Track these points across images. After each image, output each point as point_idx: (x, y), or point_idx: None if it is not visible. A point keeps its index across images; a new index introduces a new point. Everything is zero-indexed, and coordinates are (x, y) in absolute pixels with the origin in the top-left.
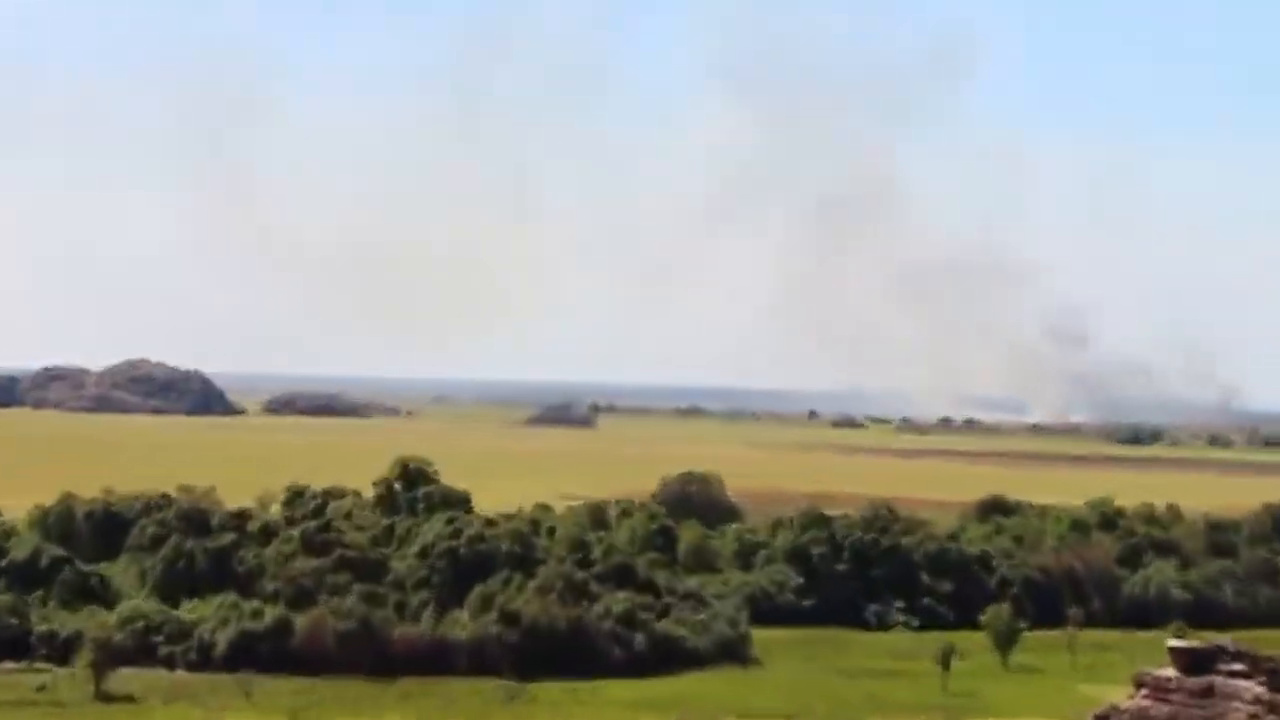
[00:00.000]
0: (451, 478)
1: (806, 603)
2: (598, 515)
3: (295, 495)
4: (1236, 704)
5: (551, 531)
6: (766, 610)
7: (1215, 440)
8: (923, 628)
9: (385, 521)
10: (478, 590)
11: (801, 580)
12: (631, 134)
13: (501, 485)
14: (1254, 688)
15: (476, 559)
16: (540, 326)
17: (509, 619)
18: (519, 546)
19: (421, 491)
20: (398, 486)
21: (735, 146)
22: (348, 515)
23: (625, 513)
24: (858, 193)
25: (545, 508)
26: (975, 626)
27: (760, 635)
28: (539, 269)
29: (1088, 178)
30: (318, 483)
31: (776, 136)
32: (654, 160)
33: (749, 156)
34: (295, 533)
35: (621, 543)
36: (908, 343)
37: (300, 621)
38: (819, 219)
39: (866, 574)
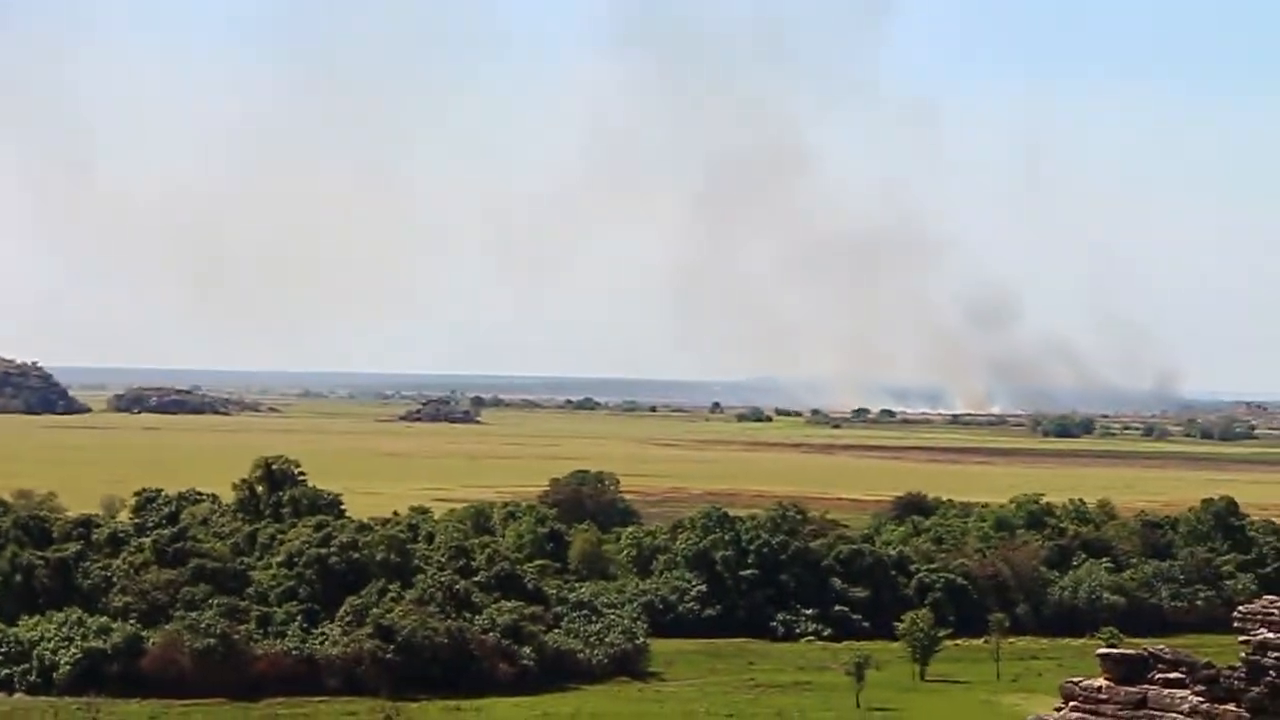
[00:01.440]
0: (320, 479)
1: (709, 612)
2: (481, 519)
3: (146, 501)
4: (1173, 715)
5: (431, 537)
6: (666, 620)
7: (1151, 432)
8: (835, 637)
9: (247, 528)
10: (350, 602)
11: (704, 587)
12: (508, 100)
13: (375, 487)
14: (1191, 698)
15: (348, 568)
16: (416, 315)
17: (384, 633)
18: (395, 554)
19: (287, 495)
20: (260, 489)
21: (624, 113)
22: (205, 522)
23: (511, 516)
24: (758, 162)
25: (423, 511)
26: (892, 635)
27: (659, 647)
28: (411, 251)
29: (1010, 145)
30: (171, 487)
31: (668, 101)
32: (534, 129)
33: (639, 124)
34: (146, 541)
35: (507, 549)
36: (816, 327)
37: (153, 639)
38: (716, 191)
39: (774, 580)
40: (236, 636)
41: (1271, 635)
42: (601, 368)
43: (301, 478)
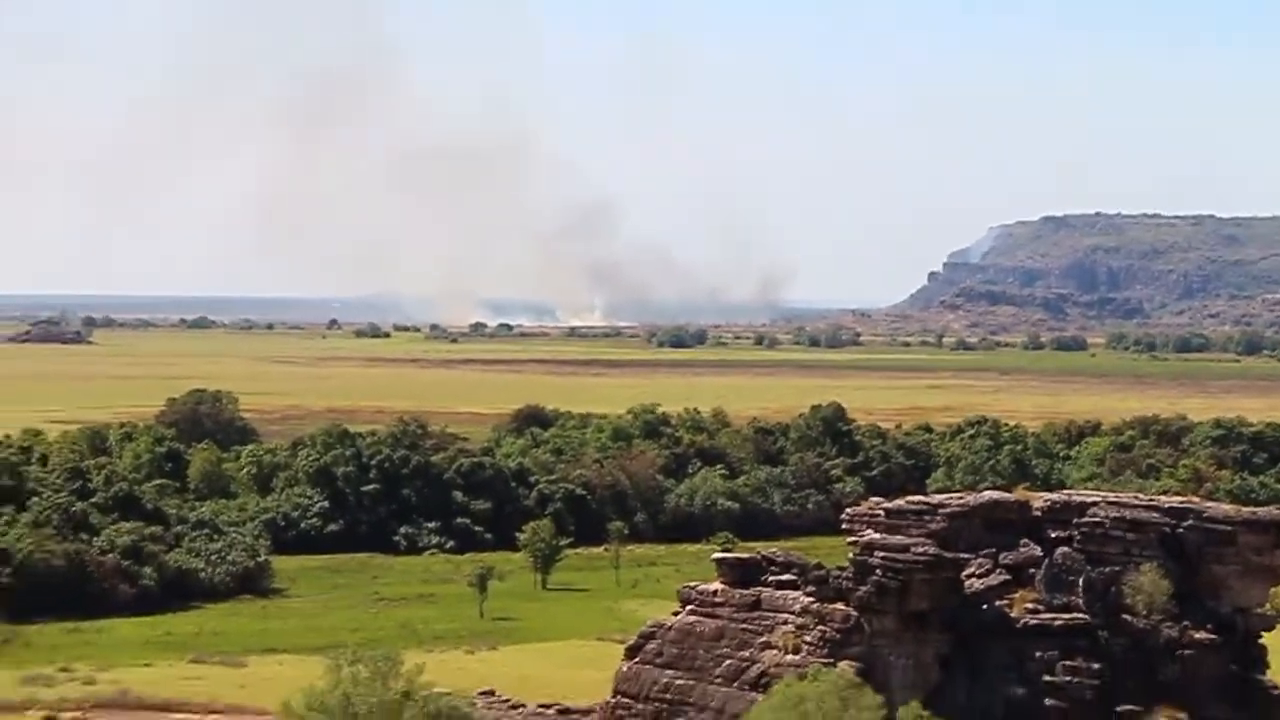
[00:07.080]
0: None
1: (332, 527)
2: (97, 441)
3: None
4: (785, 615)
5: (45, 460)
6: (289, 537)
7: (761, 341)
8: (458, 549)
9: None
10: None
11: (326, 503)
12: (83, 16)
13: None
14: (802, 598)
15: None
16: (15, 236)
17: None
18: (8, 477)
19: None
20: None
21: (208, 31)
22: None
23: (128, 437)
24: (350, 73)
25: (37, 434)
26: (514, 546)
27: (282, 564)
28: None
29: (613, 55)
30: None
31: (253, 14)
32: (115, 44)
33: (225, 41)
34: None
35: (125, 469)
36: (419, 241)
37: None
38: (310, 106)
39: (397, 494)
40: None
41: (876, 535)
42: (217, 286)
43: None
